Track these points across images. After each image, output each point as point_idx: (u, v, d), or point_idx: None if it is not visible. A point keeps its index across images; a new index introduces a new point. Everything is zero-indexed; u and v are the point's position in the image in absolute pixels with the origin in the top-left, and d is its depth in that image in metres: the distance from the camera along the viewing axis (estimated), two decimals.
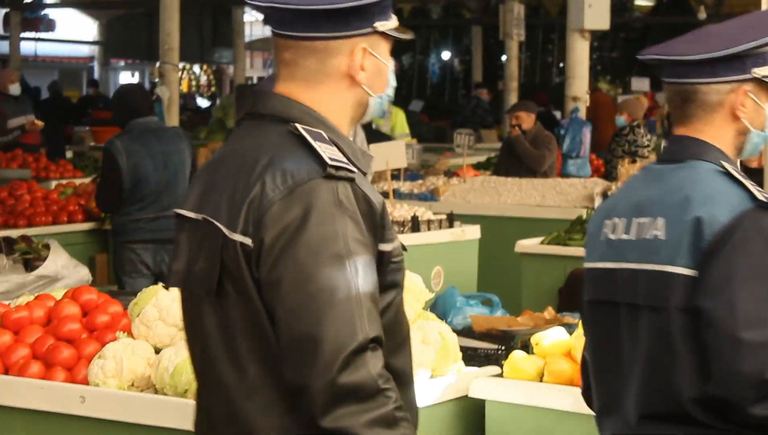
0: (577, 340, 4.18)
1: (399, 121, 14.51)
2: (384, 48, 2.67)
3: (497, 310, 5.30)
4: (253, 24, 29.78)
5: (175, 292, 4.09)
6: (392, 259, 2.58)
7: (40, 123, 13.66)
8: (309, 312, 2.42)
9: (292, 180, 2.48)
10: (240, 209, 2.51)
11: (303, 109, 2.61)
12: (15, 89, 14.19)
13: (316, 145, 2.51)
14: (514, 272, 8.00)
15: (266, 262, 2.47)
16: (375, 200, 2.55)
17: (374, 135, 10.82)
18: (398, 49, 32.38)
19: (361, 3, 2.58)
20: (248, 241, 2.49)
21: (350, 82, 2.64)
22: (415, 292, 4.31)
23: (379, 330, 2.45)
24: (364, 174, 2.63)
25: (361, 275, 2.44)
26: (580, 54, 12.35)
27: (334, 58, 2.62)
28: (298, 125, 2.55)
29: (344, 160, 2.52)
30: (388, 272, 2.57)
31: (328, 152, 2.50)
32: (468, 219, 8.45)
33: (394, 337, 2.59)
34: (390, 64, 2.70)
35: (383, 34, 2.65)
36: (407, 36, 2.71)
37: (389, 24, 2.66)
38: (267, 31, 29.63)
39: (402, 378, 2.60)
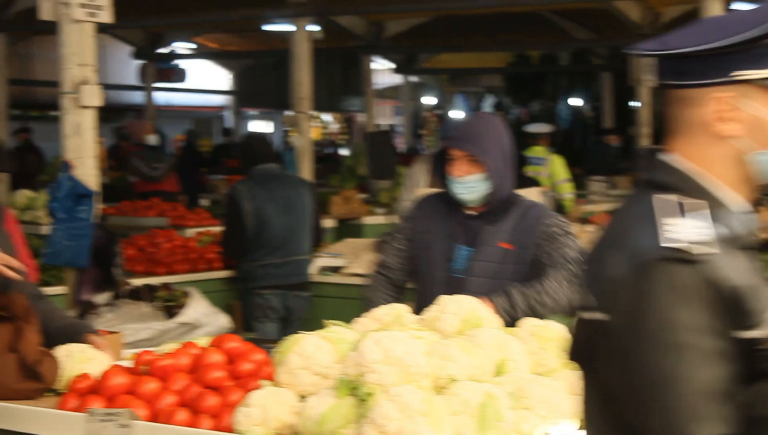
0: None
1: (556, 168, 14.33)
2: None
3: None
4: (382, 72, 29.98)
5: (318, 341, 4.09)
6: (759, 347, 2.32)
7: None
8: (637, 404, 2.29)
9: (631, 260, 2.32)
10: (592, 282, 2.42)
11: (683, 175, 2.42)
12: (152, 139, 14.55)
13: (663, 221, 2.32)
14: None
15: (605, 344, 2.36)
16: (727, 284, 2.29)
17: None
18: (527, 96, 32.36)
19: (693, 50, 2.37)
20: (596, 316, 2.37)
21: (714, 136, 2.41)
22: (559, 342, 4.27)
23: (718, 429, 2.25)
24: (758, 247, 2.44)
25: (695, 369, 2.25)
26: None
27: (689, 109, 2.41)
28: (660, 196, 2.37)
29: (693, 239, 2.29)
30: (753, 360, 2.32)
31: (673, 231, 2.31)
32: None
33: None
34: None
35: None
36: None
37: None
38: (396, 79, 29.83)
39: None
